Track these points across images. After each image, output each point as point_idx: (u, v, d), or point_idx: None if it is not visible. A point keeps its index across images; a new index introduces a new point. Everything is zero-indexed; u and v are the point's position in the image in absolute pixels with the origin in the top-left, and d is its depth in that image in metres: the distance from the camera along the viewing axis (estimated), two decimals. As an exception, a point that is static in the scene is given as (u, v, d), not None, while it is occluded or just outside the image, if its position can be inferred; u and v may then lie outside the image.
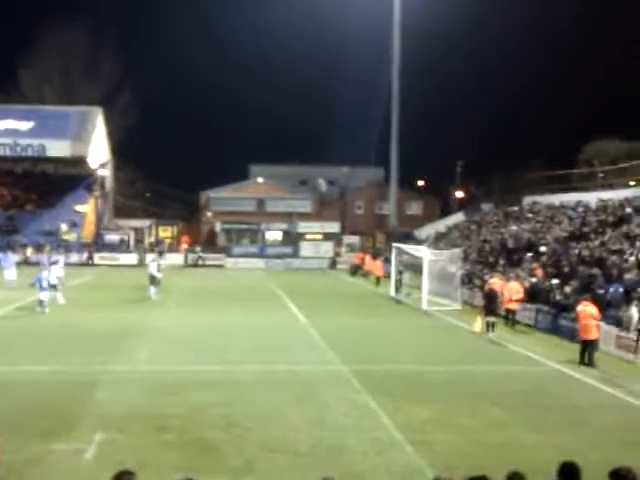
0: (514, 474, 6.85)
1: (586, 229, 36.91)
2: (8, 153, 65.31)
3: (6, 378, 16.88)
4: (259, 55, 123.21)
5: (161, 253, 54.87)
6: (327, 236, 68.64)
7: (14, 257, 42.59)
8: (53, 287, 30.51)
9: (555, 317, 26.13)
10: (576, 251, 33.23)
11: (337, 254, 64.69)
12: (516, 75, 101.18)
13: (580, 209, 42.49)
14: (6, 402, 14.64)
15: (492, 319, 25.36)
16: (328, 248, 65.43)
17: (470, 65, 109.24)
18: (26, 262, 52.17)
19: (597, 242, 33.28)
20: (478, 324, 25.85)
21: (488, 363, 20.25)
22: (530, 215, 47.67)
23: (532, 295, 28.76)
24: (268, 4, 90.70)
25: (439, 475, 6.97)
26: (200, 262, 59.41)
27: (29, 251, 55.89)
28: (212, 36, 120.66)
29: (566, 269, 30.99)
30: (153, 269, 34.46)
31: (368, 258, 52.74)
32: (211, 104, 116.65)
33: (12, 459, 11.23)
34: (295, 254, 64.10)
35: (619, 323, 22.71)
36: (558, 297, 27.31)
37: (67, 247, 57.09)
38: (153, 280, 33.89)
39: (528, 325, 27.63)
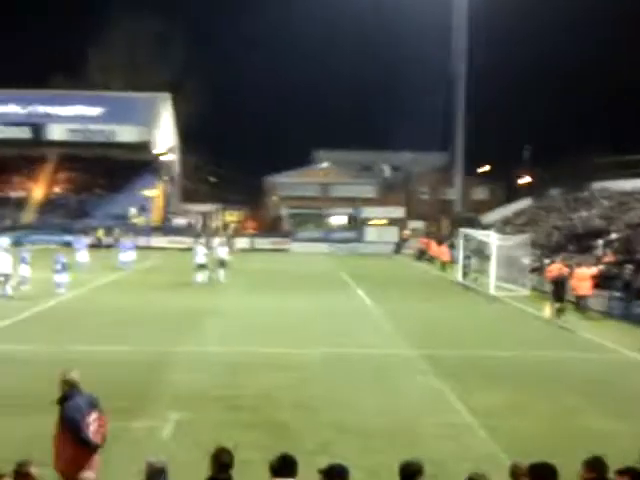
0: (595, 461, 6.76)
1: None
2: (79, 139, 66.75)
3: (81, 357, 17.18)
4: (324, 39, 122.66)
5: (229, 238, 55.36)
6: (392, 221, 68.47)
7: (86, 240, 43.56)
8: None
9: (628, 304, 25.61)
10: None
11: (404, 238, 64.45)
12: (585, 57, 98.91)
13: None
14: (82, 381, 14.89)
15: (561, 305, 25.08)
16: (393, 233, 65.29)
17: (536, 47, 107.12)
18: (99, 245, 53.43)
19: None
20: (547, 310, 25.52)
21: (560, 349, 19.94)
22: (600, 201, 46.73)
23: (604, 281, 28.22)
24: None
25: (515, 461, 6.89)
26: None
27: (100, 233, 57.07)
28: (279, 21, 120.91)
29: (638, 255, 30.31)
30: (222, 253, 34.78)
31: (433, 243, 52.49)
32: (276, 89, 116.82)
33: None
34: (359, 239, 64.13)
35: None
36: (631, 284, 26.75)
37: (135, 230, 58.07)
38: (222, 264, 34.20)
39: (600, 312, 27.13)
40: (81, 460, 8.03)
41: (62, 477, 7.84)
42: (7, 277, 27.15)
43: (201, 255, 34.03)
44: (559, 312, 24.92)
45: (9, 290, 26.98)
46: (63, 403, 8.21)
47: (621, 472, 6.65)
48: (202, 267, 33.73)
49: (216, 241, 41.93)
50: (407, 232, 65.60)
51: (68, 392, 8.27)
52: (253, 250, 59.08)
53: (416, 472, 6.49)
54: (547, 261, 34.09)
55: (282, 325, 22.55)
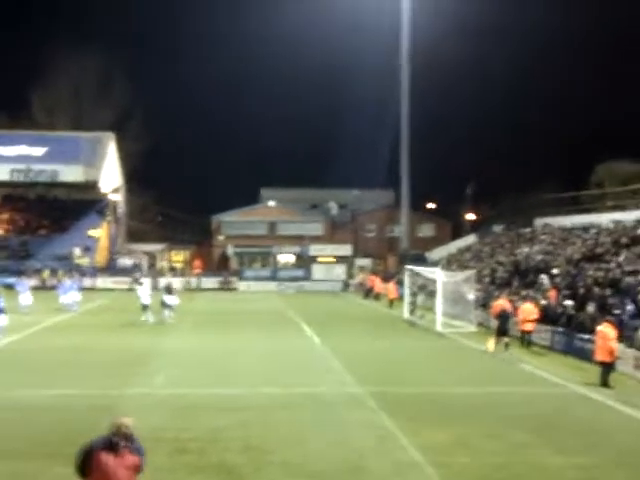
0: None
1: (599, 250, 36.80)
2: (22, 179, 65.91)
3: (26, 402, 16.90)
4: (269, 78, 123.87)
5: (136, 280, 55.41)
6: (339, 259, 68.73)
7: (29, 282, 42.82)
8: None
9: (571, 338, 26.02)
10: (590, 272, 33.12)
11: (350, 276, 64.74)
12: (526, 96, 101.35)
13: (593, 230, 42.41)
14: (26, 426, 14.66)
15: (505, 339, 25.45)
16: (340, 271, 65.51)
17: (479, 86, 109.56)
18: (42, 287, 52.59)
19: (612, 264, 33.14)
20: (491, 343, 25.83)
21: (506, 385, 20.12)
22: (542, 237, 47.59)
23: (546, 316, 28.66)
24: (274, 24, 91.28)
25: None
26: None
27: (46, 274, 56.25)
28: (221, 59, 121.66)
29: (581, 290, 30.88)
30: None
31: (378, 280, 52.83)
32: (221, 129, 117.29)
33: (34, 482, 11.28)
34: (307, 277, 64.21)
35: (635, 344, 22.62)
36: (573, 318, 27.22)
37: (81, 271, 57.33)
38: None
39: (544, 346, 27.50)
40: None
41: None
42: None
43: (145, 296, 33.73)
44: (505, 346, 25.26)
45: None
46: (132, 443, 8.15)
47: None
48: (146, 307, 33.50)
49: (162, 281, 41.58)
50: (362, 275, 65.78)
51: (131, 432, 8.19)
52: (200, 289, 58.62)
53: None
54: (494, 296, 34.51)
55: (229, 365, 22.37)
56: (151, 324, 32.67)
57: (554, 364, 23.83)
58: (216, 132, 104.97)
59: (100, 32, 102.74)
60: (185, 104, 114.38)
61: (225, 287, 60.66)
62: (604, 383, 19.64)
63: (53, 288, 46.33)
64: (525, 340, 27.64)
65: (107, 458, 7.91)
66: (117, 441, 7.96)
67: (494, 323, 28.87)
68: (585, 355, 23.51)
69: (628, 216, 41.41)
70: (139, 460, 8.13)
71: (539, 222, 53.10)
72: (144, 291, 34.29)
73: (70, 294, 39.21)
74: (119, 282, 58.75)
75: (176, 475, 11.59)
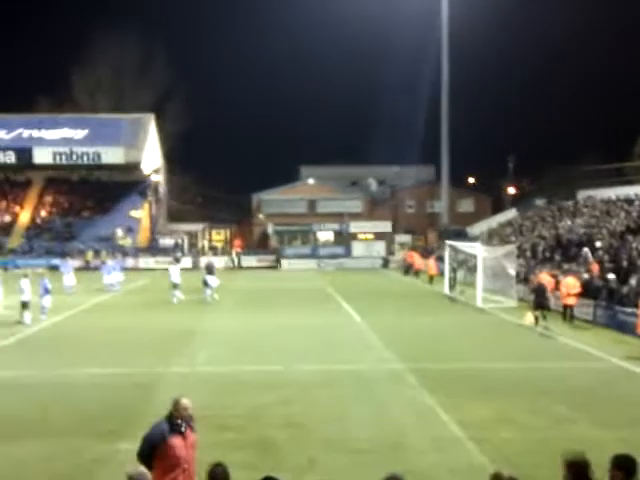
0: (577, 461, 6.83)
1: (643, 223, 36.24)
2: (65, 161, 66.65)
3: (70, 380, 17.23)
4: (308, 57, 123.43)
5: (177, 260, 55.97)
6: (379, 235, 68.59)
7: (72, 263, 43.46)
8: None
9: (613, 312, 25.74)
10: (633, 245, 32.63)
11: (390, 253, 64.63)
12: (568, 67, 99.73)
13: (636, 202, 41.72)
14: (71, 404, 14.96)
15: (541, 312, 25.30)
16: (380, 247, 65.39)
17: (521, 58, 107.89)
18: (86, 267, 53.38)
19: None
20: (528, 317, 25.70)
21: (548, 360, 19.99)
22: (585, 209, 46.97)
23: (588, 290, 28.35)
24: (316, 6, 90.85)
25: (498, 470, 6.85)
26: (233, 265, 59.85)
27: (89, 255, 57.02)
28: (262, 41, 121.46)
29: (624, 263, 30.47)
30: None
31: (418, 257, 52.61)
32: (261, 107, 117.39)
33: (80, 459, 11.53)
34: (347, 254, 64.19)
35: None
36: (616, 292, 26.91)
37: (124, 251, 58.01)
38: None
39: (586, 320, 27.24)
40: None
41: None
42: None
43: (175, 274, 34.46)
44: (537, 319, 25.13)
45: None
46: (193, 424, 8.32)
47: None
48: (176, 286, 34.16)
49: (203, 260, 41.88)
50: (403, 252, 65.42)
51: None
52: (239, 268, 58.98)
53: None
54: (535, 270, 34.22)
55: (269, 343, 22.53)
56: (180, 302, 33.10)
57: (596, 338, 23.62)
58: (255, 111, 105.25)
59: (140, 12, 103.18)
60: (225, 84, 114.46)
61: (274, 265, 60.84)
62: (649, 357, 19.43)
63: (96, 269, 46.97)
64: (567, 314, 27.41)
65: (177, 442, 7.95)
66: (181, 423, 8.05)
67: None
68: (628, 329, 23.26)
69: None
70: (195, 438, 8.26)
71: (582, 195, 52.36)
72: (175, 270, 34.78)
73: (113, 275, 39.73)
74: (161, 262, 59.23)
75: (217, 451, 11.68)
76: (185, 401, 8.19)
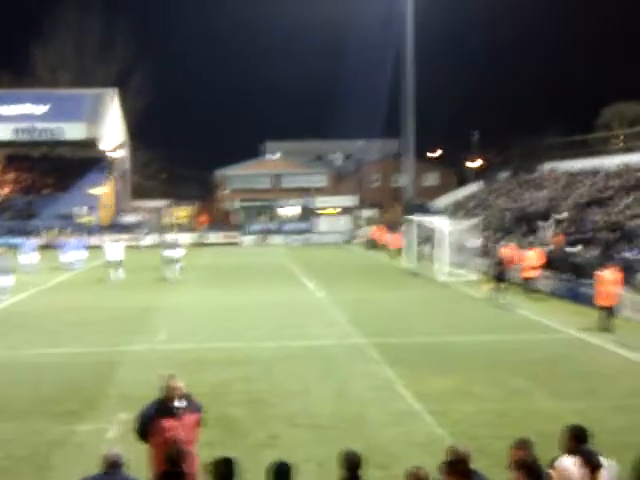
0: (522, 441, 6.96)
1: (607, 194, 36.57)
2: (25, 138, 65.53)
3: (28, 360, 17.11)
4: (271, 32, 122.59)
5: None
6: (344, 210, 68.60)
7: (34, 241, 42.92)
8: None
9: (573, 284, 26.05)
10: (597, 217, 32.96)
11: (355, 227, 64.74)
12: (531, 40, 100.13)
13: (600, 174, 42.08)
14: (28, 384, 14.85)
15: (502, 285, 25.58)
16: (346, 222, 65.44)
17: (486, 30, 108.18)
18: (48, 246, 52.77)
19: (618, 207, 32.93)
20: (486, 288, 26.01)
21: (507, 332, 20.23)
22: (548, 182, 47.30)
23: (551, 262, 28.64)
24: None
25: (454, 445, 6.93)
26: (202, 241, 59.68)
27: (51, 234, 56.31)
28: (226, 14, 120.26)
29: (587, 235, 30.79)
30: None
31: (382, 231, 52.79)
32: (224, 82, 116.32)
33: (37, 441, 11.48)
34: (312, 229, 64.14)
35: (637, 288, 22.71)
36: (576, 263, 27.23)
37: (86, 229, 57.40)
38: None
39: (546, 293, 27.55)
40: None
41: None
42: None
43: (110, 252, 34.48)
44: (501, 292, 25.38)
45: None
46: (190, 403, 8.27)
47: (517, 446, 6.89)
48: (111, 264, 34.12)
49: (167, 237, 41.66)
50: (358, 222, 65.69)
51: (187, 392, 8.34)
52: (204, 245, 58.71)
53: (357, 464, 6.55)
54: (498, 245, 34.48)
55: (232, 320, 22.52)
56: (116, 281, 32.95)
57: (555, 310, 23.93)
58: (218, 86, 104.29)
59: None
60: (189, 59, 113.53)
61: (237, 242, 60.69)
62: (604, 327, 19.73)
63: (58, 247, 46.46)
64: (528, 287, 27.70)
65: (167, 423, 7.98)
66: (172, 405, 8.05)
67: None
68: (588, 300, 23.55)
69: (636, 158, 40.91)
70: (198, 417, 8.28)
71: (545, 167, 52.65)
72: (112, 248, 34.80)
73: (74, 253, 39.30)
74: (125, 239, 58.79)
75: (178, 430, 11.72)
76: (172, 382, 8.17)
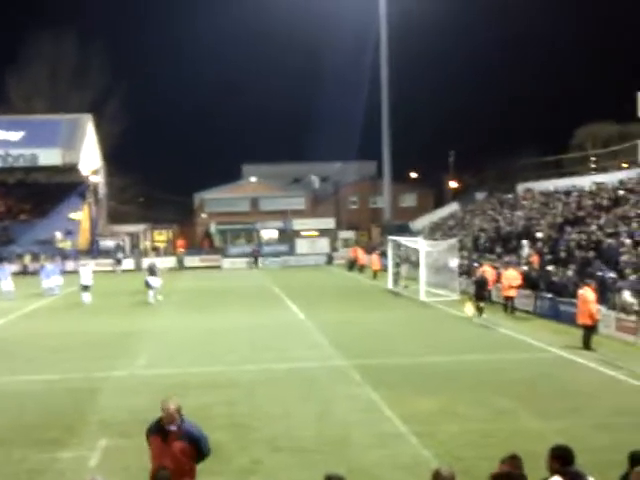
0: (511, 457, 6.93)
1: (581, 213, 36.87)
2: (0, 164, 65.20)
3: (8, 388, 16.84)
4: (247, 56, 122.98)
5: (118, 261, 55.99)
6: (322, 232, 68.63)
7: (10, 267, 42.53)
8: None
9: (554, 302, 26.15)
10: (572, 236, 33.18)
11: (333, 249, 64.80)
12: (505, 63, 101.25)
13: (574, 194, 42.43)
14: (9, 412, 14.61)
15: (481, 304, 25.76)
16: (324, 244, 65.46)
17: (459, 54, 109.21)
18: (24, 272, 52.36)
19: (593, 226, 33.20)
20: (468, 307, 26.07)
21: (490, 352, 20.22)
22: (524, 202, 47.62)
23: (528, 282, 28.76)
24: (252, 5, 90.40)
25: (439, 468, 6.83)
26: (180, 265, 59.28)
27: (27, 260, 55.88)
28: (200, 38, 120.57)
29: (563, 254, 30.97)
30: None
31: (361, 252, 52.87)
32: (201, 106, 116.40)
33: (17, 469, 11.27)
34: (291, 251, 64.07)
35: (615, 306, 22.82)
36: (556, 282, 27.35)
37: (63, 255, 56.95)
38: (149, 285, 33.75)
39: (527, 312, 27.63)
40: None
41: None
42: None
43: (86, 277, 34.24)
44: (479, 311, 25.49)
45: None
46: (183, 429, 8.06)
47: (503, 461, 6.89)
48: (87, 288, 33.98)
49: (145, 262, 41.43)
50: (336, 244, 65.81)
51: (182, 417, 8.14)
52: (183, 268, 58.42)
53: None
54: (475, 264, 34.62)
55: (213, 344, 22.35)
56: (87, 305, 32.74)
57: (537, 329, 23.98)
58: (196, 110, 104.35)
59: (76, 12, 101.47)
60: (164, 83, 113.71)
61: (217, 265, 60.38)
62: (586, 346, 19.79)
63: (35, 273, 46.07)
64: (508, 306, 27.78)
65: (156, 442, 7.97)
66: (163, 427, 7.95)
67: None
68: (568, 319, 23.64)
69: (610, 178, 41.39)
70: (187, 446, 7.95)
71: (521, 187, 53.02)
72: (86, 272, 34.53)
73: (52, 278, 38.97)
74: (101, 264, 58.41)
75: (160, 456, 11.57)
76: (164, 404, 8.06)
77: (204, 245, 70.33)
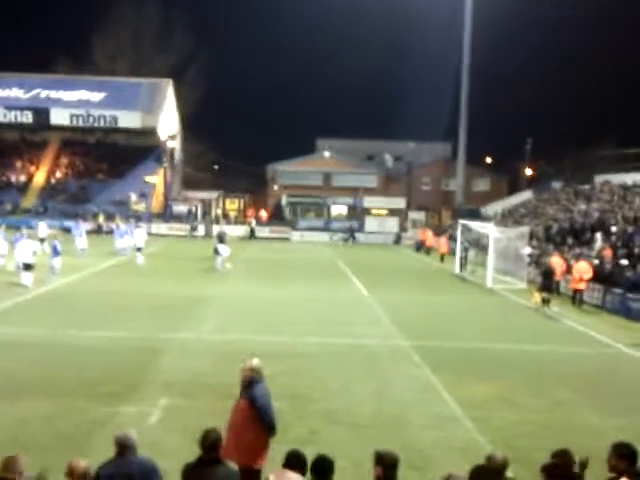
0: (562, 452, 6.80)
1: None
2: (81, 124, 66.73)
3: (76, 342, 17.35)
4: (329, 28, 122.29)
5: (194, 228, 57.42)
6: (392, 212, 68.40)
7: (85, 225, 43.60)
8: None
9: (624, 298, 25.65)
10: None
11: (403, 229, 64.61)
12: (588, 50, 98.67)
13: (654, 189, 41.37)
14: (74, 365, 15.07)
15: (547, 295, 25.33)
16: (393, 224, 65.28)
17: (540, 39, 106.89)
18: (99, 231, 53.65)
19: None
20: (535, 298, 25.73)
21: (553, 342, 19.96)
22: (601, 194, 46.62)
23: (599, 275, 28.24)
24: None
25: (494, 453, 6.83)
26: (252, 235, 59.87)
27: (101, 219, 57.19)
28: (282, 10, 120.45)
29: (637, 250, 30.29)
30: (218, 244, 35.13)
31: (430, 234, 52.57)
32: (280, 77, 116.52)
33: (79, 420, 11.67)
34: (360, 229, 64.08)
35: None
36: (628, 278, 26.80)
37: (137, 216, 58.10)
38: (217, 252, 34.42)
39: (595, 305, 27.18)
40: (262, 446, 8.37)
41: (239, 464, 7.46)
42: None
43: (139, 239, 36.79)
44: (545, 302, 25.14)
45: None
46: (249, 389, 8.42)
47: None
48: (140, 250, 36.31)
49: (215, 229, 42.05)
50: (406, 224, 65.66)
51: (254, 378, 8.51)
52: (254, 238, 59.02)
53: (393, 463, 6.51)
54: (545, 254, 34.11)
55: (279, 314, 22.59)
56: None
57: (604, 324, 23.58)
58: (274, 81, 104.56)
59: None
60: (244, 53, 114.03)
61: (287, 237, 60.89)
62: (653, 344, 19.40)
63: (109, 232, 47.12)
64: (577, 299, 27.35)
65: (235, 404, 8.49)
66: (242, 385, 8.39)
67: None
68: (637, 315, 23.20)
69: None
70: (247, 406, 8.31)
71: (599, 179, 51.86)
72: (140, 234, 37.23)
73: (125, 239, 39.85)
74: (173, 228, 59.54)
75: (220, 419, 11.68)
76: (243, 364, 8.54)
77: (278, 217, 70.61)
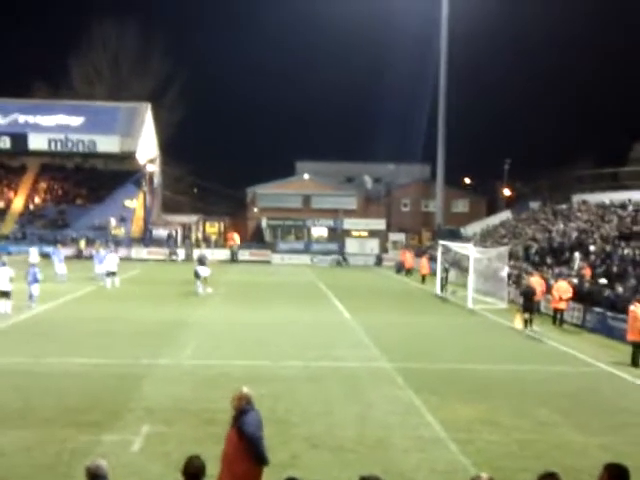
0: (549, 474, 6.72)
1: (637, 228, 36.22)
2: (59, 149, 66.47)
3: (55, 369, 17.17)
4: (306, 51, 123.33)
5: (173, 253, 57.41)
6: (373, 233, 68.58)
7: (64, 251, 43.32)
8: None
9: (604, 317, 25.77)
10: (626, 251, 32.65)
11: (383, 251, 64.72)
12: (564, 72, 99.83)
13: (630, 208, 41.71)
14: (55, 393, 14.90)
15: (528, 316, 25.47)
16: (374, 245, 65.41)
17: (518, 62, 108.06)
18: (79, 256, 53.35)
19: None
20: (518, 320, 25.78)
21: (535, 362, 20.01)
22: (579, 213, 46.93)
23: (579, 295, 28.38)
24: (314, 2, 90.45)
25: (479, 475, 6.75)
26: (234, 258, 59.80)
27: (82, 244, 56.84)
28: (259, 33, 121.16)
29: (615, 269, 30.50)
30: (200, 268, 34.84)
31: (410, 255, 52.66)
32: (258, 101, 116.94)
33: (60, 449, 11.49)
34: (340, 251, 64.14)
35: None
36: (607, 297, 26.94)
37: (117, 241, 57.87)
38: (198, 275, 34.17)
39: (576, 325, 27.29)
40: (255, 477, 8.20)
41: None
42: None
43: (112, 263, 36.17)
44: (527, 323, 25.21)
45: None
46: (239, 419, 8.25)
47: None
48: (113, 274, 35.99)
49: (196, 252, 41.90)
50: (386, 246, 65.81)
51: (244, 407, 8.34)
52: (236, 261, 58.88)
53: None
54: (524, 274, 34.25)
55: (259, 338, 22.47)
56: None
57: (585, 343, 23.68)
58: (253, 105, 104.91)
59: (139, 3, 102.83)
60: (223, 76, 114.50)
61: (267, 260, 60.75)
62: (635, 363, 19.47)
63: (89, 258, 46.86)
64: (557, 318, 27.45)
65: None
66: (234, 415, 8.24)
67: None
68: (617, 334, 23.29)
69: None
70: (236, 435, 8.16)
71: (576, 198, 52.23)
72: (113, 259, 36.74)
73: (104, 264, 39.55)
74: (153, 252, 59.32)
75: (203, 446, 11.68)
76: (235, 392, 8.45)
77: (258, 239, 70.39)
